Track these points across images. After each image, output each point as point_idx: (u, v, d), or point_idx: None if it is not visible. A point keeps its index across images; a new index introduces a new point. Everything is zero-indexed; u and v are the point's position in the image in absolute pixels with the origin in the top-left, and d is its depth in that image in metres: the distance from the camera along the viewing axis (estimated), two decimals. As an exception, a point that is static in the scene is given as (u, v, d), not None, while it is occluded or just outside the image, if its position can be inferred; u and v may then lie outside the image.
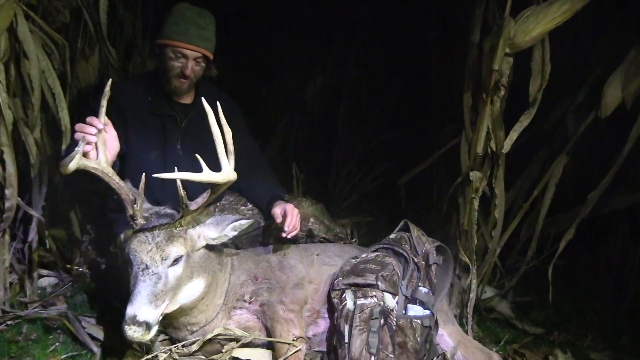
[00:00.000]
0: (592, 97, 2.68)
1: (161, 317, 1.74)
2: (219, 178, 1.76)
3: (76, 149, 1.73)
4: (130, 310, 1.67)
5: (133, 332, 1.65)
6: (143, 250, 1.74)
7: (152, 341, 1.98)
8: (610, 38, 2.75)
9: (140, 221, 1.80)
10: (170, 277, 1.76)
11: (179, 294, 1.81)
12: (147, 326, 1.66)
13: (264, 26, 5.18)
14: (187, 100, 2.38)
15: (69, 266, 2.73)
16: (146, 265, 1.72)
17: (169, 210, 1.90)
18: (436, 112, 3.69)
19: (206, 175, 1.74)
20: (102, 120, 1.82)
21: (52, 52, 2.50)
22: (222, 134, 1.75)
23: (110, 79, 1.83)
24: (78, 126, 1.81)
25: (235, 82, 5.03)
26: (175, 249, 1.76)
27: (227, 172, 1.78)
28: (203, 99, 1.76)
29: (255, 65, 5.28)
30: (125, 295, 1.81)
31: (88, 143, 1.77)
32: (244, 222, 1.92)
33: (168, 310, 1.78)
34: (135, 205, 1.80)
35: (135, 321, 1.65)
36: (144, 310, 1.67)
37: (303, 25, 4.85)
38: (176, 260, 1.77)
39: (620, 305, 2.86)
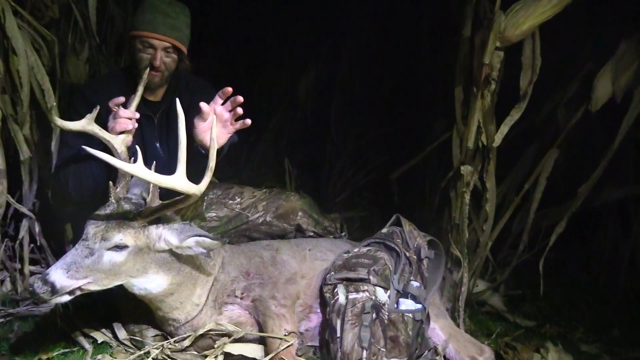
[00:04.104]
0: (583, 90, 2.68)
1: (78, 292, 1.74)
2: (169, 182, 1.69)
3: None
4: (48, 269, 1.70)
5: (37, 287, 1.66)
6: (94, 224, 1.76)
7: (144, 336, 2.03)
8: (600, 31, 2.75)
9: (112, 200, 1.83)
10: (104, 259, 1.74)
11: (113, 280, 1.79)
12: (53, 289, 1.66)
13: (256, 21, 5.16)
14: (157, 97, 2.32)
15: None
16: (86, 237, 1.74)
17: (140, 201, 1.88)
18: (428, 107, 3.68)
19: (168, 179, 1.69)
20: (134, 107, 1.91)
21: (41, 48, 2.49)
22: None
23: (148, 69, 1.90)
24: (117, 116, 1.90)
25: (228, 77, 5.01)
26: (120, 236, 1.75)
27: (179, 179, 1.70)
28: (177, 100, 1.76)
29: (248, 60, 5.27)
30: (115, 294, 1.86)
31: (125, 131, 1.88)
32: (208, 241, 1.79)
33: (90, 289, 1.75)
34: (115, 187, 1.86)
35: (43, 278, 1.67)
36: (58, 273, 1.68)
37: (296, 20, 4.84)
38: (118, 247, 1.75)
39: (611, 298, 2.87)
